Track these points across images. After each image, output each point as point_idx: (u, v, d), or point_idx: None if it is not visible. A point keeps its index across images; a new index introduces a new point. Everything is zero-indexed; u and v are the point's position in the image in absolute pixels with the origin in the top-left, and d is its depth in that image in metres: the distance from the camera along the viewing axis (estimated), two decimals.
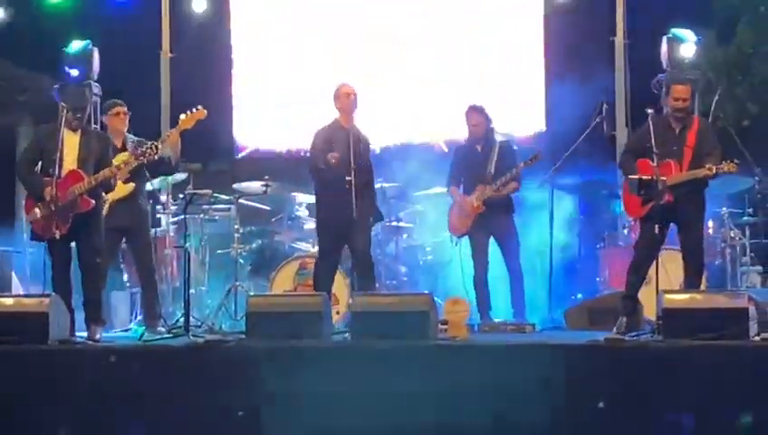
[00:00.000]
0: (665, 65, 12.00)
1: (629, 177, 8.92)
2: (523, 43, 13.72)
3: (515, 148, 11.08)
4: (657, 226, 8.78)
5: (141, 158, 9.26)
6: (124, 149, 9.89)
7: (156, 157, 9.33)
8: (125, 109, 10.17)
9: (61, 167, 8.80)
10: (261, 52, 14.12)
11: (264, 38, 14.14)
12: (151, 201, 10.77)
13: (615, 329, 8.80)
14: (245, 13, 14.20)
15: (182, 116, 9.85)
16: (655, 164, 8.73)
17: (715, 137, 9.10)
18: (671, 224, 9.05)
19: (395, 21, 13.88)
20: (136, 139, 10.06)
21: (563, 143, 11.58)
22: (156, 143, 9.32)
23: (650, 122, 8.94)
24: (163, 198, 11.57)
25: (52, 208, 8.74)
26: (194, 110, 9.87)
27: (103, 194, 9.29)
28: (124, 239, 10.23)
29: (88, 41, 12.70)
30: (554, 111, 13.17)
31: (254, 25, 14.16)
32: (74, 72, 12.42)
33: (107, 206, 9.62)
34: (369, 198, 9.93)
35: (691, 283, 8.92)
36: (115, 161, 9.20)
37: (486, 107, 10.90)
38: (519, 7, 13.76)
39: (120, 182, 9.65)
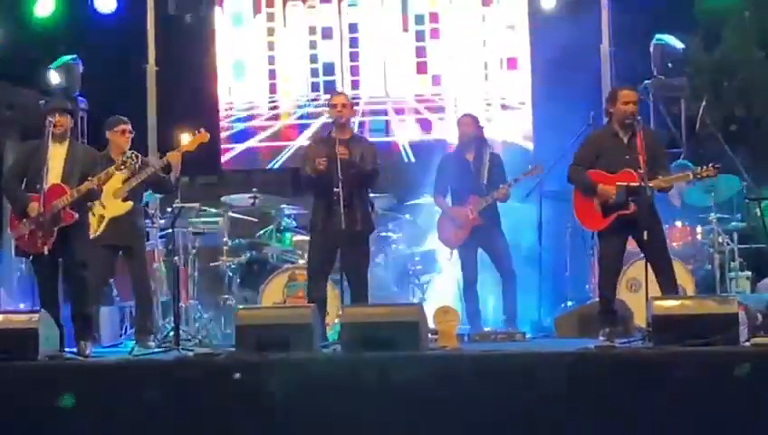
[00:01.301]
0: (654, 71, 12.04)
1: (618, 184, 8.83)
2: (509, 50, 13.78)
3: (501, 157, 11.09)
4: (620, 236, 8.81)
5: (122, 167, 9.22)
6: None
7: (137, 164, 9.29)
8: (129, 127, 10.14)
9: (46, 181, 8.77)
10: (246, 61, 14.17)
11: (248, 48, 14.20)
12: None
13: (600, 338, 8.77)
14: (230, 24, 14.25)
15: (184, 139, 9.86)
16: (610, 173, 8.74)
17: (663, 146, 9.05)
18: (629, 235, 8.99)
19: (383, 34, 14.00)
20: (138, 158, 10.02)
21: (551, 151, 11.60)
22: (135, 153, 9.29)
23: (592, 136, 8.98)
24: (151, 211, 11.54)
25: (38, 223, 8.71)
26: (197, 133, 9.90)
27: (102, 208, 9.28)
28: (120, 255, 10.22)
29: (74, 55, 12.71)
30: (541, 119, 13.19)
31: (239, 36, 14.22)
32: (57, 85, 12.46)
33: (104, 223, 9.62)
34: (361, 209, 9.75)
35: (669, 288, 8.84)
36: (100, 175, 9.11)
37: (476, 115, 10.95)
38: (505, 15, 13.80)
39: (118, 200, 9.65)
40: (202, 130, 9.94)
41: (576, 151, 9.25)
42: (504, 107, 13.73)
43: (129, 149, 9.92)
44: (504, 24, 13.80)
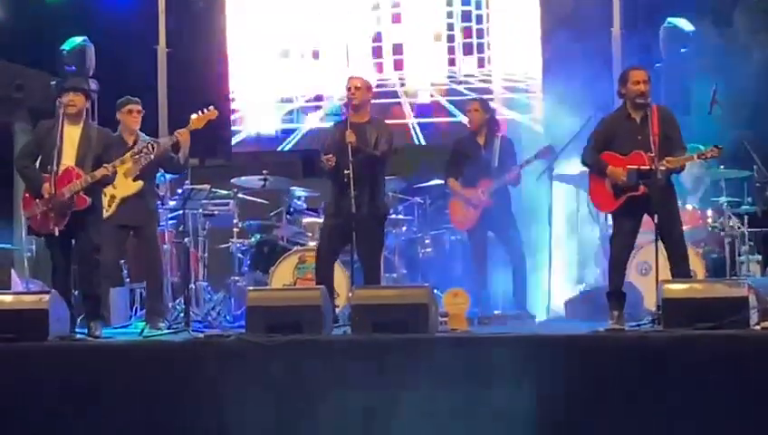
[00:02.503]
0: (663, 54, 11.99)
1: (628, 167, 8.81)
2: (519, 32, 13.77)
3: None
4: (633, 217, 8.79)
5: (137, 156, 9.24)
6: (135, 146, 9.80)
7: (152, 157, 9.32)
8: (139, 106, 10.16)
9: (59, 162, 8.78)
10: (257, 44, 14.17)
11: (259, 30, 14.20)
12: None
13: (609, 322, 8.76)
14: (241, 5, 14.24)
15: (193, 116, 9.86)
16: (624, 155, 8.72)
17: (678, 126, 9.01)
18: (644, 215, 8.98)
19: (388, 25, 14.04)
20: (148, 139, 10.00)
21: (562, 134, 11.58)
22: (152, 143, 9.29)
23: (605, 119, 8.96)
24: (162, 193, 11.54)
25: (50, 205, 8.73)
26: (205, 110, 9.89)
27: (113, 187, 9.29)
28: (131, 235, 10.24)
29: (84, 37, 12.70)
30: (552, 101, 13.16)
31: (251, 16, 14.21)
32: (70, 68, 12.45)
33: (115, 203, 9.63)
34: (373, 192, 9.73)
35: (681, 271, 8.79)
36: (114, 162, 9.11)
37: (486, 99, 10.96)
38: None
39: (129, 180, 9.66)
40: (211, 107, 9.92)
41: (590, 133, 9.24)
42: (514, 89, 13.73)
43: (141, 131, 9.97)
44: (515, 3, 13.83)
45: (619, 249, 8.93)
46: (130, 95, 10.27)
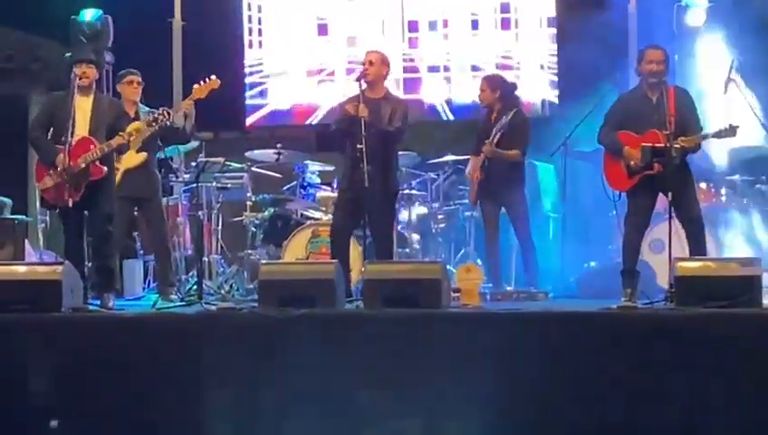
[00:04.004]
0: (676, 33, 11.96)
1: (643, 145, 8.81)
2: (534, 9, 13.76)
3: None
4: (648, 196, 8.77)
5: (154, 124, 9.23)
6: (136, 119, 9.75)
7: (168, 122, 9.32)
8: (138, 78, 10.17)
9: (73, 133, 8.79)
10: (273, 17, 14.18)
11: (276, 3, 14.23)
12: (163, 169, 10.79)
13: (623, 299, 8.77)
14: None
15: (195, 86, 9.84)
16: (637, 134, 8.69)
17: (694, 106, 8.99)
18: (659, 194, 8.98)
19: None
20: (148, 109, 10.03)
21: (576, 111, 11.56)
22: (167, 109, 9.29)
23: (621, 98, 8.92)
24: (175, 166, 11.57)
25: (64, 176, 8.74)
26: (207, 79, 9.87)
27: (115, 161, 9.28)
28: (136, 208, 10.26)
29: (100, 10, 12.71)
30: (567, 79, 13.15)
31: None
32: (83, 40, 12.47)
33: (119, 175, 9.62)
34: (384, 168, 9.66)
35: (698, 249, 8.82)
36: (133, 126, 9.12)
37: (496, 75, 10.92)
38: None
39: (132, 151, 9.65)
40: (213, 76, 9.89)
41: (606, 112, 9.22)
42: (527, 68, 13.73)
43: (156, 104, 9.97)
44: None
45: (633, 228, 8.94)
46: (145, 68, 10.27)
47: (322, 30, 14.20)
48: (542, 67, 13.72)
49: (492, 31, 13.89)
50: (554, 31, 13.66)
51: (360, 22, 14.14)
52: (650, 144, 8.69)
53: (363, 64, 9.81)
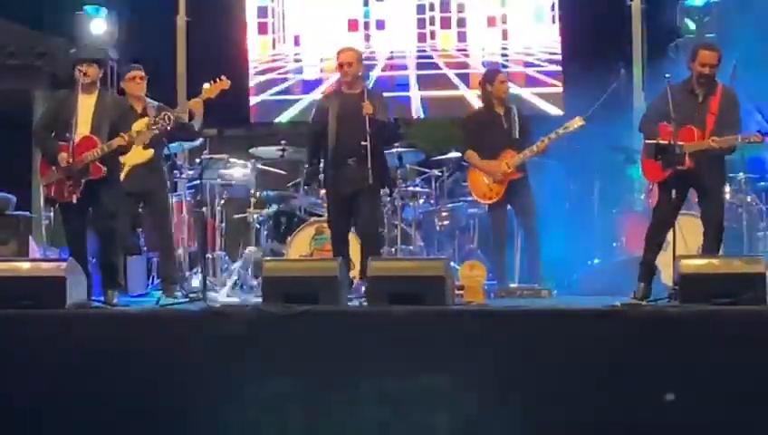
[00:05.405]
0: (681, 30, 11.96)
1: (647, 141, 8.89)
2: (537, 8, 13.76)
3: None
4: (674, 191, 8.76)
5: (153, 127, 9.23)
6: (145, 114, 9.76)
7: (169, 127, 9.31)
8: (141, 73, 10.15)
9: (75, 131, 8.79)
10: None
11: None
12: (169, 164, 10.78)
13: (633, 294, 8.78)
14: None
15: (206, 85, 9.83)
16: (673, 130, 8.68)
17: (737, 108, 9.00)
18: (689, 190, 9.02)
19: None
20: (156, 103, 10.04)
21: (580, 108, 11.54)
22: (170, 114, 9.27)
23: (668, 89, 8.87)
24: (179, 162, 11.56)
25: (68, 173, 8.75)
26: (218, 79, 9.86)
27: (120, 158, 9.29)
28: (142, 203, 10.26)
29: (104, 6, 12.72)
30: (571, 77, 13.14)
31: None
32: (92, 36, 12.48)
33: (125, 171, 9.62)
34: (369, 164, 9.54)
35: (709, 249, 8.85)
36: (135, 127, 9.12)
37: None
38: None
39: (139, 148, 9.64)
40: (223, 77, 9.89)
41: (651, 101, 9.26)
42: (532, 64, 13.71)
43: (159, 100, 9.96)
44: None
45: (657, 220, 8.98)
46: (149, 64, 10.26)
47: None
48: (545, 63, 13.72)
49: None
50: (558, 28, 13.65)
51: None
52: (655, 141, 8.72)
53: (341, 67, 9.82)
